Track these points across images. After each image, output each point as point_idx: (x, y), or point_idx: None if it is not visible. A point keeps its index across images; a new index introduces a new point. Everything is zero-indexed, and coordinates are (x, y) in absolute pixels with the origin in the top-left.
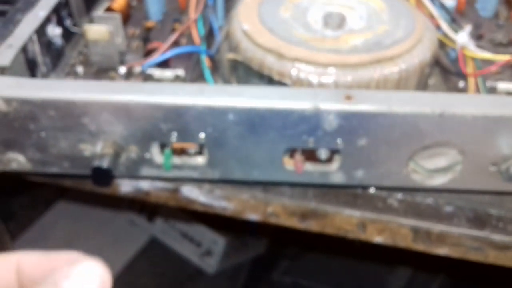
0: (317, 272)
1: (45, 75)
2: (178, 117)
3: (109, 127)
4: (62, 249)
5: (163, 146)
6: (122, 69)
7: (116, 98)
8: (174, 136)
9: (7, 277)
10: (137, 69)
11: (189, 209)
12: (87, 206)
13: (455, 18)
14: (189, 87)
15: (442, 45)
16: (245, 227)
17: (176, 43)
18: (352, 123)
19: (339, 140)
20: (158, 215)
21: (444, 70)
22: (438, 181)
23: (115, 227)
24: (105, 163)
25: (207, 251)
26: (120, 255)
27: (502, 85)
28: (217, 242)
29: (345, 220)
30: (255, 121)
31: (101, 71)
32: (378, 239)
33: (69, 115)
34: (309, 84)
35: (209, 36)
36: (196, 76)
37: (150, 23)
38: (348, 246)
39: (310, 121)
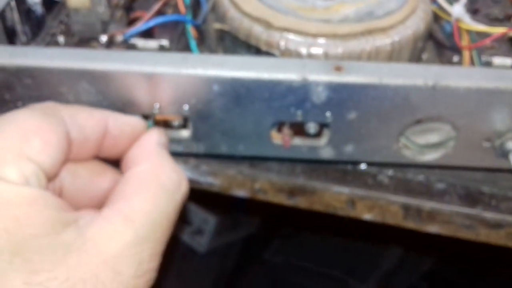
0: (309, 251)
1: (25, 44)
2: (159, 87)
3: (88, 97)
4: None
5: (146, 118)
6: (103, 38)
7: (94, 66)
8: (156, 107)
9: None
10: (119, 38)
11: None
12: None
13: None
14: (171, 56)
15: (436, 18)
16: (236, 205)
17: (161, 13)
18: (342, 96)
19: (328, 113)
20: None
21: (438, 45)
22: (430, 157)
23: None
24: None
25: (198, 230)
26: None
27: (498, 60)
28: (208, 221)
29: (334, 196)
30: (240, 93)
31: (83, 41)
32: (367, 216)
33: (46, 84)
34: (298, 55)
35: (196, 5)
36: (181, 47)
37: None
38: (340, 225)
39: (298, 93)
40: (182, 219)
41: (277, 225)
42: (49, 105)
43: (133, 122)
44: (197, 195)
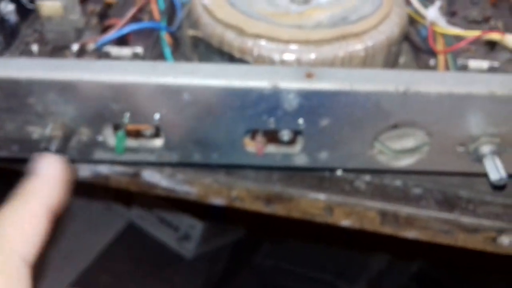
0: (298, 255)
1: None
2: (129, 96)
3: (57, 107)
4: None
5: (117, 128)
6: (75, 46)
7: (61, 76)
8: (126, 117)
9: None
10: (91, 46)
11: (153, 194)
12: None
13: None
14: (140, 65)
15: (413, 21)
16: (223, 211)
17: (137, 20)
18: (313, 102)
19: (300, 120)
20: (135, 200)
21: (415, 48)
22: (405, 162)
23: (92, 213)
24: (53, 147)
25: (185, 235)
26: (98, 241)
27: (474, 63)
28: (194, 226)
29: (311, 203)
30: (212, 101)
31: (57, 49)
32: (345, 222)
33: (14, 95)
34: (271, 62)
35: (172, 12)
36: (156, 54)
37: None
38: (328, 229)
39: (270, 101)
40: (168, 224)
41: (266, 229)
42: None
43: None
44: (184, 201)
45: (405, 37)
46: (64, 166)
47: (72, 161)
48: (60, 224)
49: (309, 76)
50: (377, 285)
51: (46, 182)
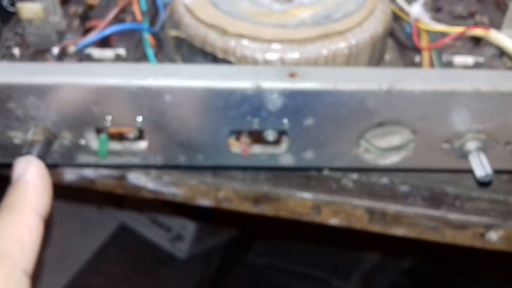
0: (292, 252)
1: None
2: (110, 99)
3: (37, 112)
4: None
5: (99, 131)
6: (55, 50)
7: (40, 80)
8: (108, 120)
9: None
10: (72, 49)
11: (140, 196)
12: (53, 193)
13: None
14: (120, 67)
15: (398, 18)
16: (215, 211)
17: (120, 21)
18: (297, 102)
19: (285, 121)
20: (126, 202)
21: (400, 45)
22: (390, 160)
23: (84, 215)
24: (35, 152)
25: (177, 236)
26: (90, 243)
27: (459, 59)
28: (187, 226)
29: (299, 203)
30: (194, 102)
31: (38, 53)
32: (333, 221)
33: None
34: (254, 62)
35: (155, 12)
36: (139, 55)
37: (92, 0)
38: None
39: (253, 101)
40: (160, 225)
41: (258, 228)
42: None
43: None
44: (174, 202)
45: (390, 34)
46: (46, 171)
47: (56, 165)
48: (49, 228)
49: (292, 75)
50: (369, 281)
51: (34, 189)
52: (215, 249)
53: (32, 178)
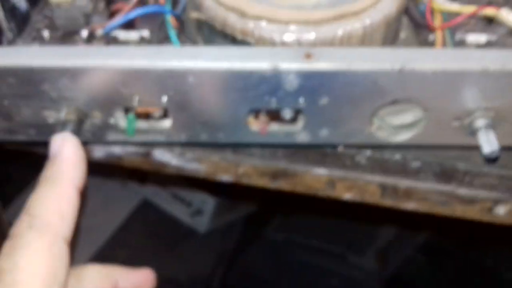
0: (309, 229)
1: (11, 41)
2: (137, 80)
3: (69, 93)
4: None
5: (127, 111)
6: (84, 33)
7: (72, 63)
8: (136, 100)
9: None
10: (100, 31)
11: (165, 172)
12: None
13: None
14: (146, 50)
15: None
16: (235, 186)
17: (143, 3)
18: (313, 82)
19: (301, 100)
20: (149, 178)
21: (415, 23)
22: (402, 137)
23: (108, 190)
24: (68, 129)
25: (197, 210)
26: (114, 217)
27: (472, 37)
28: (207, 201)
29: (315, 178)
30: (215, 83)
31: (67, 35)
32: (347, 196)
33: (29, 82)
34: (272, 43)
35: None
36: (162, 37)
37: None
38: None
39: (271, 82)
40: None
41: (276, 204)
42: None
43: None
44: (196, 178)
45: (405, 12)
46: (80, 147)
47: (86, 143)
48: (84, 200)
49: (308, 56)
50: (384, 256)
51: (71, 164)
52: (234, 224)
53: (68, 153)
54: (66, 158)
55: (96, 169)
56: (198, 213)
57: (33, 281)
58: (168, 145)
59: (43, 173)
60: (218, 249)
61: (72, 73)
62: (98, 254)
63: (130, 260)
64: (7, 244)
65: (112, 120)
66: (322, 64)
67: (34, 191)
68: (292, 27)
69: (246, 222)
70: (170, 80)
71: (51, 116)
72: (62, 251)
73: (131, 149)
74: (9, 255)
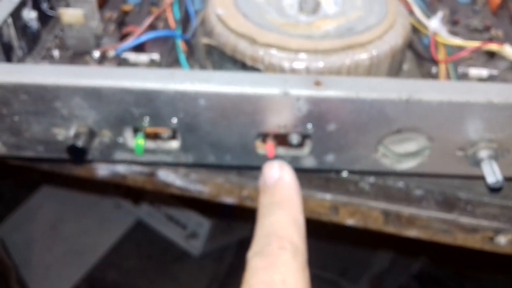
0: None
1: (21, 59)
2: (149, 102)
3: (81, 111)
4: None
5: (136, 131)
6: (96, 53)
7: (86, 83)
8: (146, 120)
9: None
10: (111, 53)
11: (167, 193)
12: (73, 188)
13: (430, 2)
14: (159, 72)
15: (416, 30)
16: (230, 209)
17: (152, 27)
18: (321, 109)
19: (309, 125)
20: (143, 198)
21: (418, 56)
22: (407, 165)
23: (101, 210)
24: (80, 142)
25: (192, 233)
26: (106, 238)
27: (474, 71)
28: (202, 224)
29: (318, 203)
30: (226, 107)
31: (77, 55)
32: (350, 221)
33: (41, 100)
34: (281, 70)
35: (186, 20)
36: (172, 60)
37: (127, 7)
38: (332, 229)
39: (281, 107)
40: (176, 222)
41: None
42: None
43: None
44: (192, 200)
45: (409, 45)
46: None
47: (91, 161)
48: None
49: (317, 84)
50: (379, 283)
51: (295, 189)
52: (228, 247)
53: (291, 179)
54: (290, 184)
55: (91, 188)
56: (193, 236)
57: None
58: (173, 166)
59: (268, 197)
60: (211, 272)
61: (86, 92)
62: (89, 275)
63: (121, 282)
64: (260, 259)
65: (120, 139)
66: (331, 91)
67: (268, 214)
68: (302, 55)
69: (240, 246)
70: (181, 102)
71: (60, 133)
72: (305, 268)
73: (136, 168)
74: (268, 270)
